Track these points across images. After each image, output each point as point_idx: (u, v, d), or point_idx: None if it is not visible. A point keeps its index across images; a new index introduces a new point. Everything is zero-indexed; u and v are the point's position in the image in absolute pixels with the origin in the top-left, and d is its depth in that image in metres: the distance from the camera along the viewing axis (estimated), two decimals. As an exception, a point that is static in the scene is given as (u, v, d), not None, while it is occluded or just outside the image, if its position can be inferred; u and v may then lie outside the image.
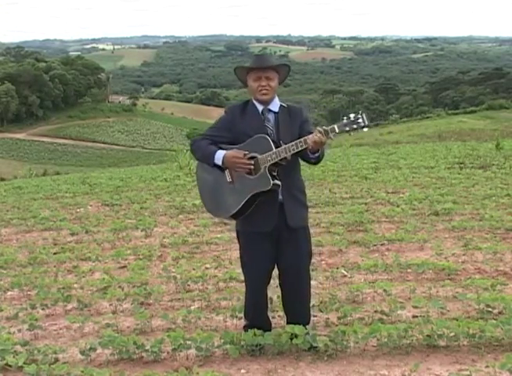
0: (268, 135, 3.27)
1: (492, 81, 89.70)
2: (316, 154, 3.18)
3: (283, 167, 3.26)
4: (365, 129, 3.07)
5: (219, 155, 3.29)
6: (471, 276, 4.81)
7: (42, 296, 4.62)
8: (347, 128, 3.04)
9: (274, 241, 3.38)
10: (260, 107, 3.37)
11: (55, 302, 4.53)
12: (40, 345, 3.66)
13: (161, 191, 10.66)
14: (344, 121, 3.06)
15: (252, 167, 3.24)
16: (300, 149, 3.13)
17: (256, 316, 3.52)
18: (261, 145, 3.23)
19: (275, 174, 3.25)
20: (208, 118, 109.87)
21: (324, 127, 3.07)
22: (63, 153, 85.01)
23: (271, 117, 3.37)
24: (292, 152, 3.15)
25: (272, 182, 3.21)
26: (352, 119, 3.04)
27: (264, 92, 3.30)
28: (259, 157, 3.23)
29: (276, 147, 3.19)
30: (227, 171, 3.33)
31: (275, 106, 3.38)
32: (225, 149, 3.33)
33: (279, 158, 3.18)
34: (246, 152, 3.26)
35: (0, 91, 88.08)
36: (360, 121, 3.03)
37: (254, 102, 3.38)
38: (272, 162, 3.20)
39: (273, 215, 3.32)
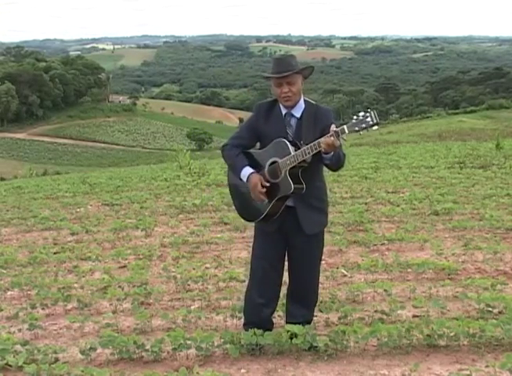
0: (286, 138, 3.27)
1: (492, 80, 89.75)
2: (328, 155, 3.13)
3: (299, 172, 3.24)
4: (375, 127, 2.97)
5: (245, 173, 3.33)
6: (471, 276, 4.81)
7: (42, 296, 4.62)
8: (357, 128, 3.00)
9: (286, 241, 3.40)
10: (284, 111, 3.36)
11: (55, 302, 4.52)
12: (40, 344, 3.66)
13: (161, 191, 10.66)
14: (353, 121, 3.01)
15: (265, 201, 3.27)
16: (315, 151, 3.11)
17: (254, 314, 3.52)
18: (281, 149, 3.24)
19: (298, 177, 3.24)
20: (208, 118, 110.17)
21: (335, 129, 3.03)
22: (63, 152, 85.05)
23: (293, 122, 3.34)
24: (308, 155, 3.14)
25: (293, 186, 3.21)
26: (361, 118, 2.99)
27: (286, 102, 3.30)
28: (279, 161, 3.24)
29: (296, 150, 3.19)
30: None
31: (298, 110, 3.34)
32: (253, 156, 3.38)
33: (297, 161, 3.18)
34: (267, 184, 3.27)
35: (0, 91, 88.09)
36: (369, 119, 2.97)
37: (280, 104, 3.37)
38: (291, 166, 3.20)
39: (281, 218, 3.32)
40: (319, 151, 3.10)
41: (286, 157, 3.21)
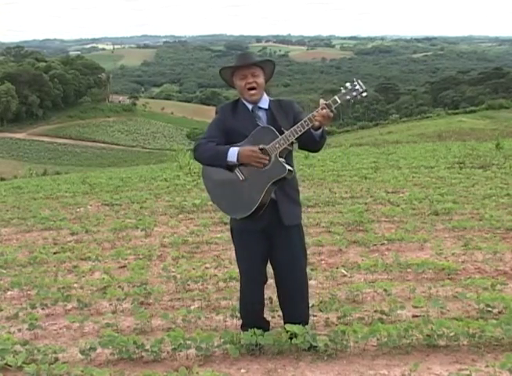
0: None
1: (491, 80, 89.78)
2: (319, 131, 3.16)
3: (284, 156, 3.26)
4: (365, 94, 3.09)
5: (233, 152, 3.22)
6: (471, 276, 4.81)
7: (42, 296, 4.62)
8: (348, 97, 3.09)
9: (267, 239, 3.39)
10: (250, 106, 3.37)
11: (55, 302, 4.53)
12: (40, 344, 3.66)
13: (161, 191, 10.66)
14: (342, 91, 3.10)
15: (267, 161, 3.22)
16: (306, 128, 3.12)
17: (249, 315, 3.52)
18: (266, 135, 3.23)
19: (286, 160, 3.25)
20: (208, 118, 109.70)
21: (325, 102, 3.08)
22: (63, 152, 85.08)
23: (261, 114, 3.36)
24: (300, 133, 3.15)
25: (287, 167, 3.21)
26: (350, 87, 3.08)
27: (252, 92, 3.29)
28: (267, 147, 3.23)
29: (280, 134, 3.21)
30: (237, 170, 3.28)
31: (264, 103, 3.38)
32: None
33: (287, 143, 3.18)
34: (261, 146, 3.23)
35: (0, 91, 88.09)
36: (357, 87, 3.07)
37: (244, 101, 3.37)
38: (281, 149, 3.20)
39: (265, 213, 3.30)
40: (310, 127, 3.12)
41: (275, 141, 3.20)
